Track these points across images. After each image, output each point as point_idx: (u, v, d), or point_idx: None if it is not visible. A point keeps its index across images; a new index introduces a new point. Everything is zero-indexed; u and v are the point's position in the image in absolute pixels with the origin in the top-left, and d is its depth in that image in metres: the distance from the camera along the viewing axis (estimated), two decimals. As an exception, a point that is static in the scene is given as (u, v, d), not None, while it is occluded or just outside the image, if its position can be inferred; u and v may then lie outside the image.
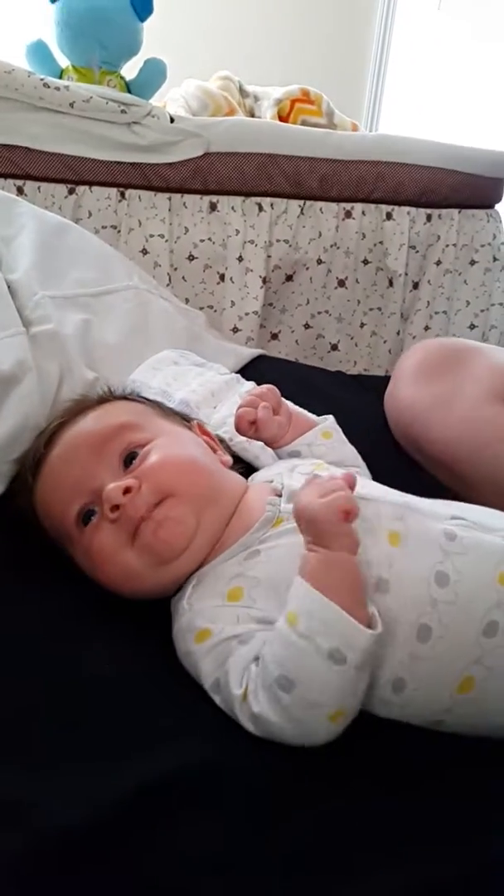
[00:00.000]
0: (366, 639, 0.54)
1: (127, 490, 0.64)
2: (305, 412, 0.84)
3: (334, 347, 1.69)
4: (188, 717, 0.58)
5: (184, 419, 0.81)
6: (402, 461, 1.00)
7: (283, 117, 1.79)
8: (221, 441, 0.92)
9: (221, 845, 0.48)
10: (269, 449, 0.93)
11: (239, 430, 0.78)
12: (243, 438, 0.95)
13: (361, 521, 0.63)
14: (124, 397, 0.80)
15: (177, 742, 0.54)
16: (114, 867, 0.46)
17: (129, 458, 0.69)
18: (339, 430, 0.84)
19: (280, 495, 0.69)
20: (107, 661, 0.60)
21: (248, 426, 0.78)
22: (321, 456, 0.79)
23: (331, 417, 0.84)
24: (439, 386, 0.98)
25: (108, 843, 0.47)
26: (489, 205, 1.74)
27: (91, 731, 0.54)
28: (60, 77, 1.48)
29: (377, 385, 1.11)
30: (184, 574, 0.65)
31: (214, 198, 1.49)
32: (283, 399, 0.81)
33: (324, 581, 0.55)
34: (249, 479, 0.79)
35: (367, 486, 0.73)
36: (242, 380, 1.08)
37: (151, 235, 1.47)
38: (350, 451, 0.83)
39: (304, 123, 1.77)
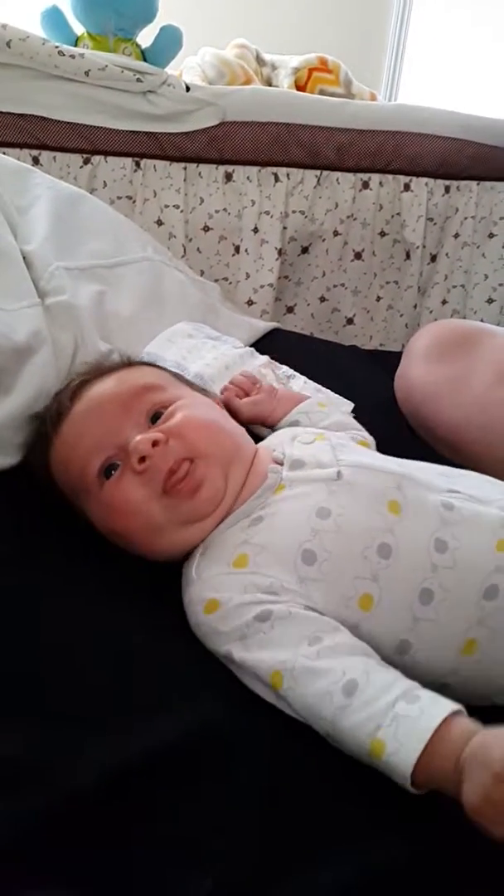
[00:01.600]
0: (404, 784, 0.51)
1: (155, 443, 0.65)
2: (294, 391, 0.88)
3: (350, 321, 1.68)
4: (199, 684, 0.58)
5: (202, 391, 0.82)
6: (412, 439, 1.01)
7: (300, 86, 1.77)
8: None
9: (229, 813, 0.49)
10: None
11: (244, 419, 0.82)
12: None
13: (364, 488, 0.66)
14: (146, 364, 0.81)
15: (187, 707, 0.55)
16: (120, 827, 0.47)
17: (154, 417, 0.70)
18: (337, 399, 0.87)
19: (282, 464, 0.70)
20: (120, 627, 0.61)
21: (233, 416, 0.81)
22: (318, 423, 0.82)
23: (325, 392, 0.88)
24: (450, 367, 0.98)
25: (115, 804, 0.48)
26: (509, 176, 1.72)
27: (103, 695, 0.55)
28: (76, 44, 1.47)
29: (392, 361, 1.11)
30: (202, 536, 0.66)
31: (230, 168, 1.48)
32: (284, 379, 0.86)
33: (431, 780, 0.50)
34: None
35: (368, 455, 0.74)
36: (256, 353, 1.08)
37: (166, 206, 1.46)
38: (351, 422, 0.85)
39: (321, 93, 1.75)
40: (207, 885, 0.45)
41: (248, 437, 0.77)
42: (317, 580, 0.61)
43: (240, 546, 0.64)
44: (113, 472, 0.67)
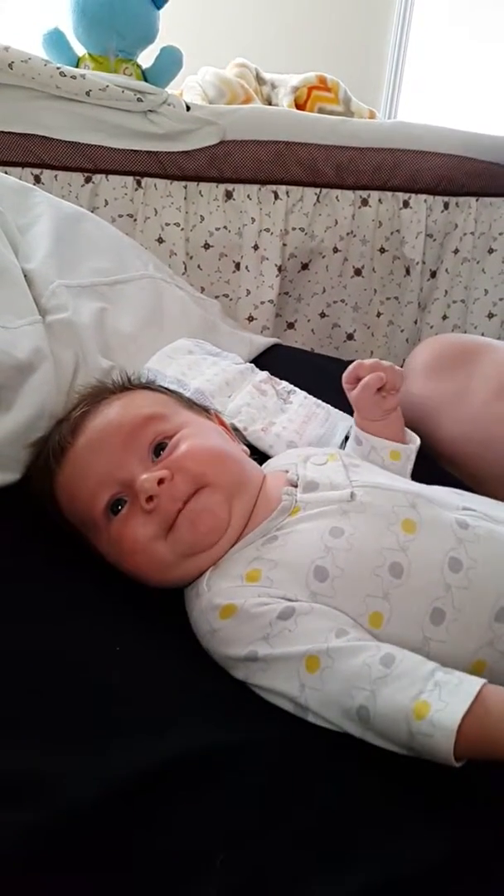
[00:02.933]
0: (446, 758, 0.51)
1: (161, 481, 0.64)
2: (403, 431, 0.83)
3: (350, 337, 1.69)
4: (205, 698, 0.58)
5: (203, 410, 0.81)
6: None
7: (299, 105, 1.79)
8: (236, 430, 0.93)
9: (231, 823, 0.49)
10: (283, 438, 0.94)
11: (345, 379, 0.80)
12: (258, 428, 0.96)
13: (377, 508, 0.65)
14: (145, 386, 0.80)
15: (190, 723, 0.55)
16: (121, 843, 0.47)
17: (157, 448, 0.69)
18: (412, 458, 0.82)
19: (296, 485, 0.70)
20: (120, 642, 0.61)
21: (353, 379, 0.80)
22: (369, 457, 0.80)
23: (417, 443, 0.83)
24: (449, 382, 0.98)
25: (116, 819, 0.48)
26: (507, 192, 1.73)
27: (105, 710, 0.55)
28: (77, 65, 1.48)
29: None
30: (211, 563, 0.66)
31: (230, 186, 1.49)
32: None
33: (480, 737, 0.51)
34: (263, 466, 0.79)
35: (382, 475, 0.74)
36: (256, 369, 1.08)
37: (167, 224, 1.47)
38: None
39: (320, 111, 1.76)
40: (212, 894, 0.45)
41: (253, 462, 0.76)
42: (328, 597, 0.60)
43: (252, 562, 0.64)
44: (120, 507, 0.67)
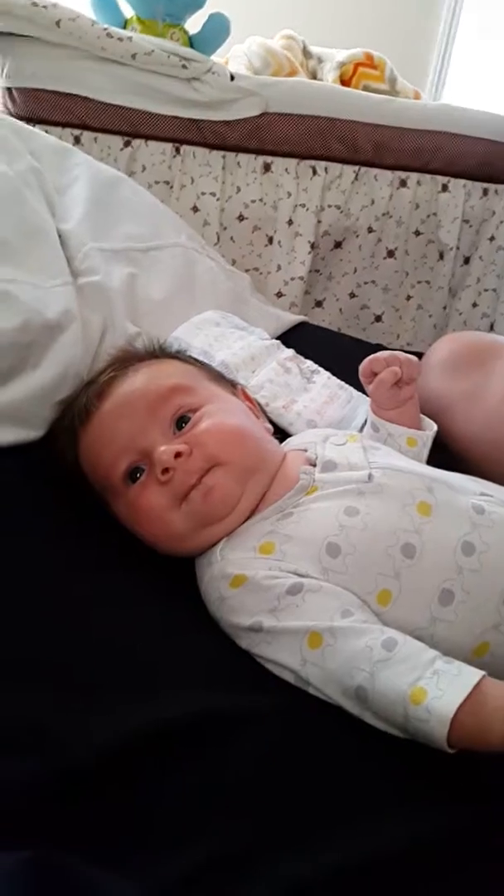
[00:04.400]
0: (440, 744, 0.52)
1: (178, 455, 0.66)
2: (419, 417, 0.84)
3: (378, 319, 1.68)
4: (210, 664, 0.59)
5: (230, 384, 0.82)
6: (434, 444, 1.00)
7: (345, 81, 1.77)
8: (259, 406, 0.94)
9: (227, 791, 0.50)
10: (304, 417, 0.94)
11: (361, 373, 0.81)
12: (280, 405, 0.97)
13: (394, 490, 0.66)
14: (174, 356, 0.81)
15: (194, 687, 0.56)
16: (118, 804, 0.48)
17: (180, 421, 0.70)
18: (428, 447, 0.83)
19: (314, 465, 0.70)
20: (132, 606, 0.62)
21: (369, 373, 0.80)
22: (389, 443, 0.80)
23: (433, 430, 0.83)
24: (465, 381, 0.97)
25: (115, 780, 0.49)
26: (548, 182, 1.70)
27: (113, 671, 0.56)
28: (124, 27, 1.47)
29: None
30: (223, 535, 0.67)
31: (269, 158, 1.48)
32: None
33: (473, 727, 0.52)
34: (283, 444, 0.80)
35: (400, 459, 0.74)
36: (282, 346, 1.08)
37: (203, 193, 1.46)
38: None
39: (365, 88, 1.74)
40: (199, 860, 0.46)
41: (275, 441, 0.77)
42: (339, 573, 0.61)
43: (266, 535, 0.65)
44: (139, 475, 0.68)
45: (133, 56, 1.34)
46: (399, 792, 0.52)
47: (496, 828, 0.51)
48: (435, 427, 0.84)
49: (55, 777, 0.48)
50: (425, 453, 0.82)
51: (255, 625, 0.59)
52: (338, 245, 1.59)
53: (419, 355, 1.13)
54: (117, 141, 1.41)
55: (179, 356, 0.82)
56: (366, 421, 0.86)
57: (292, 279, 1.54)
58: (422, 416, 0.84)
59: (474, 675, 0.53)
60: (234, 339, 1.04)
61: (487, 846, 0.50)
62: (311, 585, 0.60)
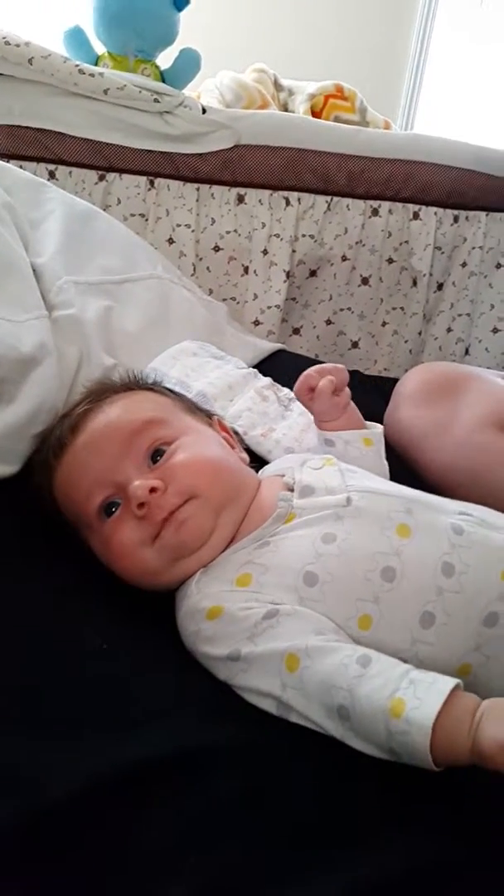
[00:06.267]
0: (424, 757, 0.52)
1: (153, 490, 0.65)
2: (360, 417, 0.85)
3: (355, 345, 1.70)
4: (188, 698, 0.59)
5: (206, 414, 0.82)
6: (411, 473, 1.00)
7: (315, 112, 1.80)
8: (236, 434, 0.94)
9: (211, 825, 0.49)
10: (282, 445, 0.94)
11: (298, 392, 0.81)
12: (258, 433, 0.97)
13: (372, 513, 0.66)
14: (150, 388, 0.81)
15: (172, 721, 0.55)
16: (95, 841, 0.47)
17: (155, 454, 0.69)
18: (383, 443, 0.84)
19: (292, 489, 0.70)
20: (108, 639, 0.61)
21: (306, 390, 0.80)
22: (353, 459, 0.79)
23: (380, 429, 0.84)
24: (437, 410, 0.99)
25: (91, 818, 0.48)
26: (517, 208, 1.73)
27: (89, 707, 0.55)
28: (96, 64, 1.49)
29: (392, 389, 1.11)
30: (198, 568, 0.66)
31: (242, 190, 1.50)
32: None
33: (446, 737, 0.51)
34: (260, 472, 0.80)
35: (377, 481, 0.74)
36: (259, 375, 1.09)
37: (178, 225, 1.48)
38: (382, 467, 0.83)
39: (336, 119, 1.77)
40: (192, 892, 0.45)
41: (250, 471, 0.77)
42: (317, 601, 0.61)
43: (244, 566, 0.64)
44: (114, 509, 0.67)
45: (105, 91, 1.36)
46: (392, 820, 0.52)
47: (493, 859, 0.51)
48: (380, 426, 0.85)
49: (30, 819, 0.47)
50: (383, 451, 0.83)
51: (234, 653, 0.59)
52: (313, 273, 1.60)
53: (395, 381, 1.15)
54: (92, 175, 1.42)
55: (155, 388, 0.81)
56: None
57: (269, 308, 1.55)
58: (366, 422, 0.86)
59: (449, 682, 0.53)
60: (211, 369, 1.05)
61: (483, 877, 0.50)
62: (285, 610, 0.60)
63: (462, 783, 0.53)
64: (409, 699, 0.52)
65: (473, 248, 1.67)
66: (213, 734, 0.55)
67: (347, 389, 0.82)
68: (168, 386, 0.87)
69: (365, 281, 1.64)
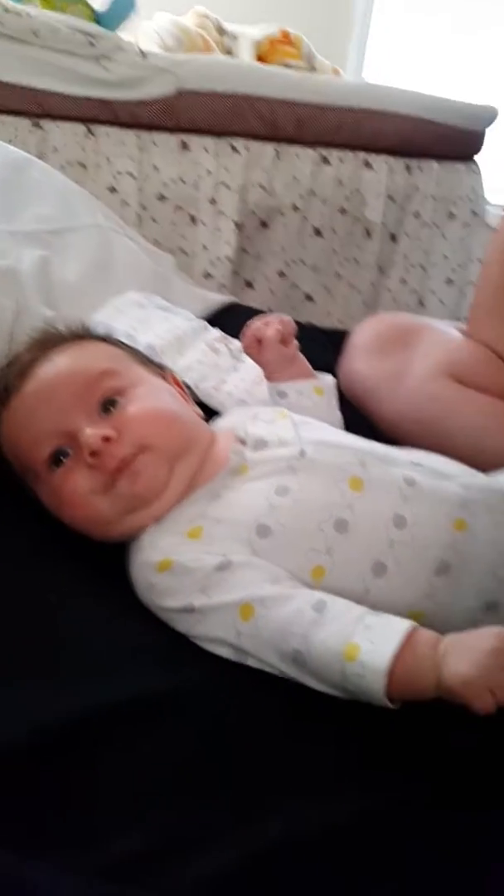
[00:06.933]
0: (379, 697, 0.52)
1: (106, 438, 0.64)
2: (310, 367, 0.83)
3: (309, 298, 1.67)
4: (141, 647, 0.58)
5: (157, 367, 0.79)
6: (365, 423, 0.99)
7: (261, 59, 1.74)
8: (187, 387, 0.90)
9: (171, 771, 0.49)
10: (235, 397, 0.91)
11: (245, 344, 0.80)
12: (210, 385, 0.94)
13: (326, 465, 0.65)
14: (101, 339, 0.78)
15: (128, 669, 0.55)
16: (51, 786, 0.46)
17: (107, 405, 0.67)
18: (335, 393, 0.83)
19: (244, 443, 0.69)
20: (62, 593, 0.61)
21: (254, 342, 0.79)
22: (306, 409, 0.78)
23: (331, 378, 0.84)
24: (389, 361, 0.99)
25: (47, 762, 0.47)
26: (468, 157, 1.72)
27: (38, 656, 0.54)
28: (21, 1, 1.41)
29: (345, 342, 1.10)
30: (152, 520, 0.65)
31: (186, 136, 1.45)
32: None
33: (406, 676, 0.52)
34: (212, 424, 0.78)
35: (331, 433, 0.73)
36: (210, 327, 1.05)
37: (119, 173, 1.42)
38: (336, 418, 0.82)
39: (283, 66, 1.72)
40: (136, 846, 0.44)
41: (204, 423, 0.75)
42: (270, 553, 0.61)
43: (195, 519, 0.63)
44: (63, 459, 0.65)
45: (35, 33, 1.28)
46: (349, 763, 0.52)
47: (448, 798, 0.51)
48: (330, 376, 0.84)
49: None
50: (335, 400, 0.83)
51: (187, 606, 0.59)
52: (264, 224, 1.56)
53: (349, 333, 1.13)
54: (25, 122, 1.35)
55: (106, 339, 0.79)
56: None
57: (219, 259, 1.51)
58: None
59: (403, 624, 0.53)
60: (159, 321, 1.01)
61: (438, 818, 0.49)
62: (238, 561, 0.59)
63: (417, 724, 0.53)
64: (363, 643, 0.53)
65: (426, 197, 1.65)
66: (170, 680, 0.55)
67: (295, 340, 0.81)
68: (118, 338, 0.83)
69: (318, 232, 1.60)
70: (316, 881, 0.44)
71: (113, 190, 1.42)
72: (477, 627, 0.61)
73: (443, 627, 0.59)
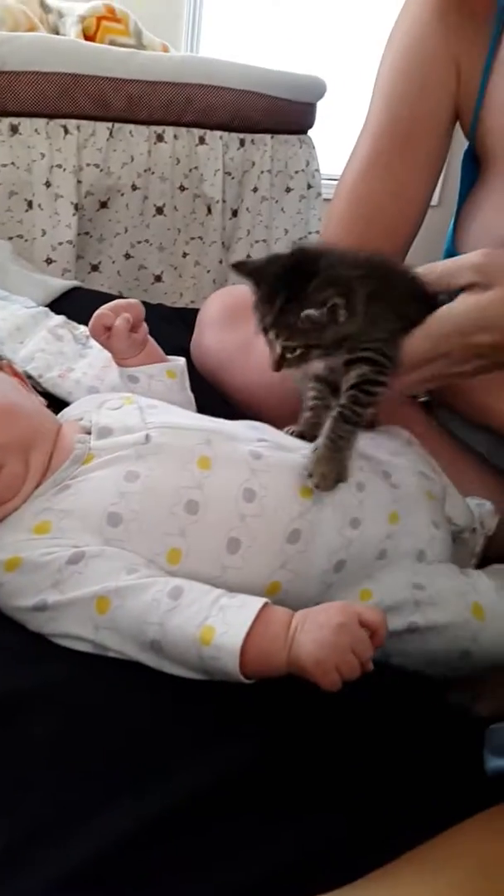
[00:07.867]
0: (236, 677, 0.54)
1: None
2: (161, 351, 0.82)
3: (158, 279, 1.67)
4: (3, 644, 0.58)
5: None
6: (218, 400, 1.01)
7: (89, 36, 1.70)
8: (30, 378, 0.89)
9: (24, 766, 0.49)
10: (84, 384, 0.91)
11: (93, 332, 0.78)
12: (55, 374, 0.93)
13: (173, 448, 0.65)
14: None
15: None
16: None
17: None
18: (186, 376, 0.83)
19: (89, 433, 0.68)
20: None
21: (102, 330, 0.77)
22: (158, 393, 0.78)
23: (182, 360, 0.83)
24: (239, 333, 0.98)
25: None
26: (301, 130, 1.76)
27: None
28: None
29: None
30: (6, 516, 0.64)
31: (15, 120, 1.40)
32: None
33: (259, 655, 0.54)
34: (59, 415, 0.77)
35: (177, 415, 0.73)
36: (51, 313, 1.04)
37: None
38: (188, 398, 0.82)
39: (112, 43, 1.69)
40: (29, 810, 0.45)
41: (49, 413, 0.74)
42: (124, 541, 0.60)
43: (41, 513, 0.62)
44: None
45: None
46: (205, 737, 0.54)
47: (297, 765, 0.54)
48: (182, 359, 0.84)
49: None
50: (187, 383, 0.83)
51: (39, 604, 0.58)
52: (104, 205, 1.55)
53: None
54: None
55: None
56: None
57: (60, 244, 1.48)
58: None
59: (256, 602, 0.55)
60: (-4, 311, 0.99)
61: (287, 780, 0.52)
62: (91, 552, 0.59)
63: (272, 696, 0.55)
64: (217, 625, 0.54)
65: (262, 171, 1.68)
66: (27, 676, 0.55)
67: (145, 325, 0.80)
68: None
69: (159, 210, 1.60)
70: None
71: None
72: (329, 588, 0.65)
73: (300, 595, 0.63)
